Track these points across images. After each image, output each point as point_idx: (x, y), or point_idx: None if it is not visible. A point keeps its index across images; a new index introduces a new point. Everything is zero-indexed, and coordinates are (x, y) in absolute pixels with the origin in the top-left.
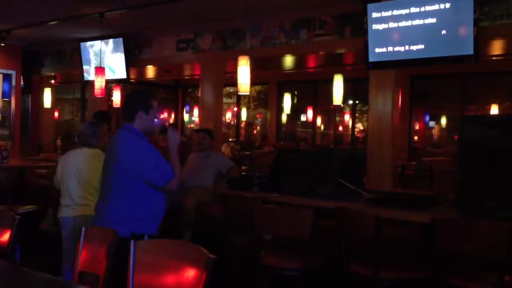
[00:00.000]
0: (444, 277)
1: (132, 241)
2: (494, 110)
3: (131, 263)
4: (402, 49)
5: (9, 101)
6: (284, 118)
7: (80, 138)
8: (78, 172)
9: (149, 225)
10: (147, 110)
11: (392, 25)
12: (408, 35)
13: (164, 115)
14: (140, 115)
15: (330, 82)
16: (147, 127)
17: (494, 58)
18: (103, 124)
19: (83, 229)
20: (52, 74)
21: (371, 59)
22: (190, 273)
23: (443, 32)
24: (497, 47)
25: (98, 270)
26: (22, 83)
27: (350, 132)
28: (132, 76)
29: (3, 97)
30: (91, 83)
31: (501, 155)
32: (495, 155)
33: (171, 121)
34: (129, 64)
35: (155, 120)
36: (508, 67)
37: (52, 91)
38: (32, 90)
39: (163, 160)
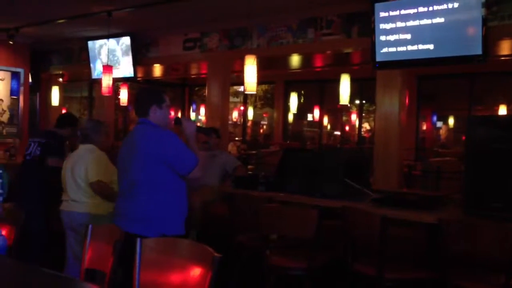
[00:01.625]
0: (450, 278)
1: (138, 239)
2: (502, 110)
3: (137, 261)
4: (409, 49)
5: (18, 99)
6: (290, 117)
7: (82, 134)
8: (73, 167)
9: (176, 225)
10: (160, 104)
11: (399, 24)
12: (416, 34)
13: (171, 113)
14: (154, 110)
15: (337, 81)
16: (162, 121)
17: (502, 58)
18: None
19: (90, 226)
20: (60, 72)
21: (378, 58)
22: (196, 272)
23: (451, 32)
24: (505, 47)
25: (105, 268)
26: (30, 81)
27: (356, 132)
28: (139, 75)
29: (11, 95)
30: (98, 82)
31: (509, 156)
32: (502, 156)
33: None
34: (136, 63)
35: (169, 114)
36: None
37: (60, 89)
38: (40, 88)
39: (186, 147)
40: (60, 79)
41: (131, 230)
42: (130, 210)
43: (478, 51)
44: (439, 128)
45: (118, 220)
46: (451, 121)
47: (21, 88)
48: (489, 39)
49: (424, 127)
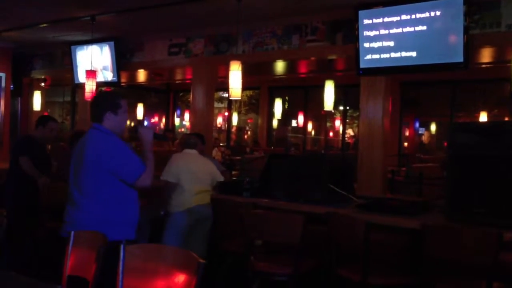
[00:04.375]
0: (433, 283)
1: (122, 246)
2: (483, 117)
3: (120, 268)
4: (392, 56)
5: None
6: (275, 123)
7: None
8: None
9: (124, 231)
10: (115, 110)
11: (383, 32)
12: (399, 42)
13: (155, 119)
14: (108, 116)
15: (321, 87)
16: (117, 127)
17: (483, 66)
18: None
19: (72, 233)
20: (43, 76)
21: (362, 65)
22: (180, 278)
23: (434, 39)
24: (486, 55)
25: (87, 275)
26: (11, 85)
27: (340, 138)
28: (123, 80)
29: None
30: (81, 86)
31: (490, 162)
32: (483, 162)
33: (162, 125)
34: (120, 68)
35: (125, 120)
36: (497, 74)
37: (42, 94)
38: (21, 93)
39: (133, 155)
40: (42, 84)
41: None
42: (76, 217)
43: (460, 58)
44: (422, 134)
45: (66, 227)
46: (433, 127)
47: (2, 93)
48: (471, 47)
49: (407, 133)
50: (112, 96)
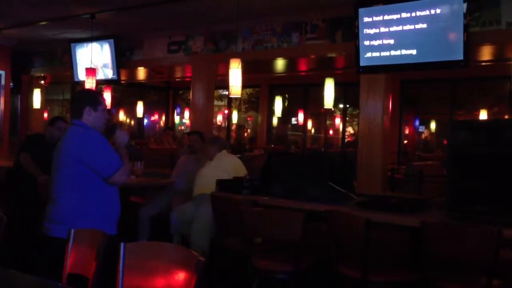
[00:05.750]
0: (433, 280)
1: (122, 244)
2: (483, 115)
3: (120, 266)
4: (392, 53)
5: None
6: (275, 121)
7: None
8: None
9: (102, 226)
10: (95, 106)
11: (383, 29)
12: (399, 40)
13: (155, 116)
14: (88, 111)
15: (321, 85)
16: (96, 123)
17: (483, 63)
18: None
19: (72, 230)
20: (42, 74)
21: (362, 63)
22: (180, 276)
23: (434, 37)
24: (486, 53)
25: (87, 272)
26: (11, 83)
27: (340, 136)
28: (122, 78)
29: None
30: (81, 84)
31: (490, 160)
32: (483, 160)
33: (162, 123)
34: (119, 66)
35: (104, 118)
36: (497, 72)
37: (41, 91)
38: (21, 91)
39: (112, 150)
40: (42, 82)
41: (53, 234)
42: (53, 212)
43: (460, 56)
44: (422, 132)
45: (44, 223)
46: (433, 125)
47: (2, 91)
48: (471, 45)
49: (407, 131)
50: (92, 93)
